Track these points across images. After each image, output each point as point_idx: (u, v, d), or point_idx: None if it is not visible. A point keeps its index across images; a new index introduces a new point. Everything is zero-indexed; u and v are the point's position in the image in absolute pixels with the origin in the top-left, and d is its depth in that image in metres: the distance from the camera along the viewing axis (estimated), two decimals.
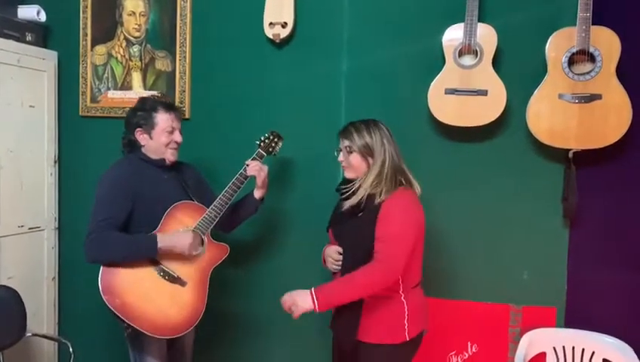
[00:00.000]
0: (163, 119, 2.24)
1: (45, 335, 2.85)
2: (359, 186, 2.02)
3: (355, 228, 2.00)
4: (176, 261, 2.20)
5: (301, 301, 1.92)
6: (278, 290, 2.78)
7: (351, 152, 2.06)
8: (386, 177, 1.99)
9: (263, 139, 2.41)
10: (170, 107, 2.28)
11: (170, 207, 2.21)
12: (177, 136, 2.27)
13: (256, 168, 2.33)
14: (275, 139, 2.42)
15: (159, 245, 2.11)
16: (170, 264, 2.19)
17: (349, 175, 2.09)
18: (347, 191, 2.05)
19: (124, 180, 2.19)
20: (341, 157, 2.11)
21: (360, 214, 2.00)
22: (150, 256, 2.14)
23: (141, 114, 2.24)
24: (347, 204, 2.02)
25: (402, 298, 2.01)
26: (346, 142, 2.07)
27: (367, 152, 2.03)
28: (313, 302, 1.90)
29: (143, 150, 2.27)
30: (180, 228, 2.21)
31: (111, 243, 2.09)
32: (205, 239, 2.27)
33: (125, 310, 2.10)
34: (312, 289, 1.93)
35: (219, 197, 2.29)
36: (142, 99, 2.33)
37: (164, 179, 2.29)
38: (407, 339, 2.00)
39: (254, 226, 2.72)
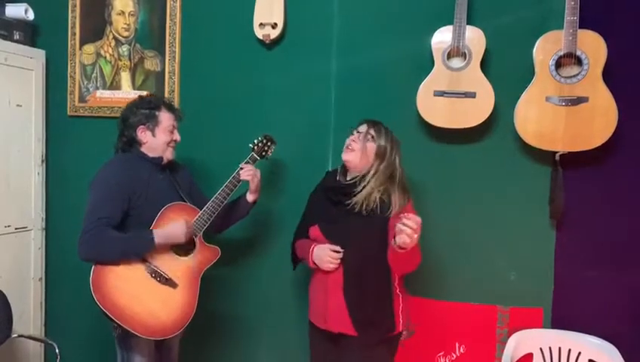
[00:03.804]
0: (166, 118, 2.29)
1: (32, 337, 2.82)
2: (366, 184, 2.05)
3: (365, 227, 2.05)
4: (168, 262, 2.19)
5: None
6: (265, 291, 2.82)
7: (369, 141, 2.09)
8: (397, 187, 2.06)
9: (256, 142, 2.41)
10: (171, 106, 2.35)
11: (164, 208, 2.21)
12: (177, 135, 2.32)
13: (249, 173, 2.34)
14: (269, 143, 2.42)
15: (156, 239, 2.11)
16: (162, 265, 2.18)
17: (348, 157, 2.12)
18: (353, 189, 2.08)
19: (121, 179, 2.18)
20: (354, 138, 2.13)
21: (372, 214, 2.03)
22: (147, 250, 2.13)
23: (145, 112, 2.26)
24: (355, 202, 2.05)
25: None
26: (372, 131, 2.10)
27: (381, 153, 2.07)
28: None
29: (142, 148, 2.28)
30: None
31: (107, 240, 2.08)
32: (197, 241, 2.27)
33: (116, 310, 2.09)
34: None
35: (212, 200, 2.29)
36: (142, 98, 2.36)
37: (159, 179, 2.29)
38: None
39: (242, 226, 2.71)
